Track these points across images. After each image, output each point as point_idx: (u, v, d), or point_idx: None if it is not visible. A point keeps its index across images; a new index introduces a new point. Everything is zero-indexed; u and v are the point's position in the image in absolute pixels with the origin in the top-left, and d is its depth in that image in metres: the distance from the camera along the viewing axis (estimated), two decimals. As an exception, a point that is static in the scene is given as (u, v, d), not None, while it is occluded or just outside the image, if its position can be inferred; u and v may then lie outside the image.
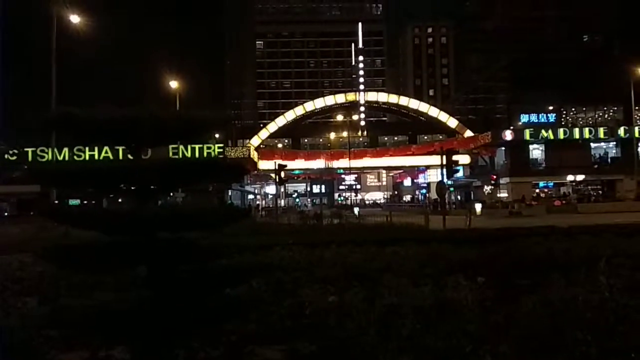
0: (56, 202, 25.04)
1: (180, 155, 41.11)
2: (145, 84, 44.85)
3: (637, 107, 45.83)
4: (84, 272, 6.03)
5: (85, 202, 29.43)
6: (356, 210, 38.24)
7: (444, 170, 25.03)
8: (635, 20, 60.46)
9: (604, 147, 52.30)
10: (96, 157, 44.63)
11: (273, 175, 44.76)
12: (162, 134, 5.09)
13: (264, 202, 70.13)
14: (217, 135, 47.18)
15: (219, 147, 49.34)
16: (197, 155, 47.32)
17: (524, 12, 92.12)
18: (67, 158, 44.50)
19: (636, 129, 47.87)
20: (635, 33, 58.53)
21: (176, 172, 4.90)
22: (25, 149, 45.35)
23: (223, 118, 5.62)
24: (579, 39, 78.29)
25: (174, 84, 38.66)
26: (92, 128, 4.68)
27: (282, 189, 61.35)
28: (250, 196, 70.73)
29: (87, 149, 41.37)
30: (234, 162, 8.66)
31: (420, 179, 73.65)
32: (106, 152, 42.82)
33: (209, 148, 48.72)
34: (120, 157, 6.18)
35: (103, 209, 4.78)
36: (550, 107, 53.53)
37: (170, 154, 38.88)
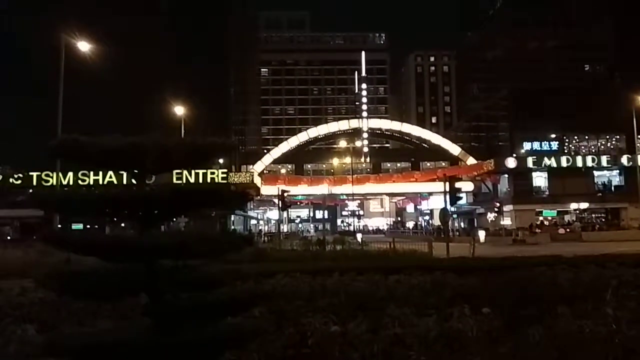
0: (59, 226, 25.01)
1: (184, 180, 41.33)
2: (152, 111, 45.34)
3: (639, 136, 45.90)
4: (84, 299, 5.97)
5: (89, 226, 29.39)
6: (359, 236, 38.01)
7: (447, 197, 25.03)
8: (635, 50, 61.19)
9: (607, 175, 52.22)
10: (100, 181, 44.90)
11: (276, 200, 44.79)
12: (166, 161, 5.11)
13: (266, 227, 69.95)
14: (221, 161, 47.41)
15: (222, 173, 49.52)
16: (200, 180, 47.52)
17: (523, 42, 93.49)
18: (71, 182, 44.73)
19: (639, 157, 47.86)
20: (635, 62, 59.17)
21: (180, 199, 4.89)
22: (30, 173, 45.59)
23: (227, 145, 5.65)
24: (579, 68, 79.09)
25: (179, 111, 39.02)
26: (98, 155, 4.71)
27: (285, 215, 61.26)
28: (253, 221, 70.60)
29: (91, 173, 41.60)
30: (237, 189, 8.66)
31: (424, 206, 73.46)
32: (110, 177, 43.18)
33: (212, 173, 48.91)
34: (125, 181, 6.19)
35: (105, 236, 4.76)
36: (553, 135, 53.72)
37: (174, 178, 39.14)
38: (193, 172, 44.37)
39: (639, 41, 61.10)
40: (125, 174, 5.50)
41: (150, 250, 4.27)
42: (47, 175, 45.11)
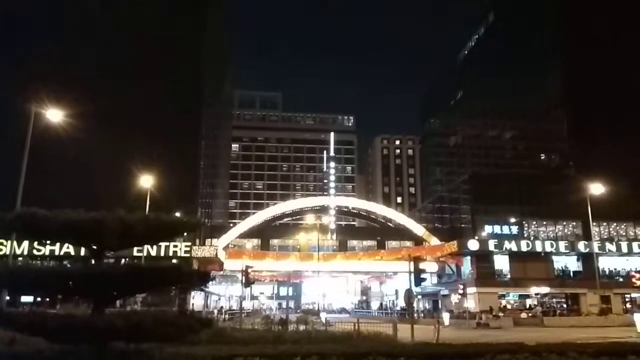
0: (7, 298, 23.53)
1: (145, 253, 40.07)
2: (119, 181, 44.74)
3: (594, 223, 47.76)
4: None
5: (40, 299, 27.75)
6: (323, 316, 37.04)
7: (412, 277, 25.01)
8: (587, 141, 65.24)
9: (566, 260, 53.55)
10: (57, 252, 43.09)
11: (240, 275, 43.64)
12: (127, 238, 5.05)
13: (228, 303, 67.54)
14: (185, 234, 46.45)
15: (186, 246, 48.38)
16: (162, 253, 46.20)
17: (482, 130, 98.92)
18: (26, 252, 42.76)
19: (595, 244, 49.55)
20: (588, 153, 62.86)
21: (138, 277, 4.79)
22: (-19, 241, 43.46)
23: (192, 224, 5.64)
24: (536, 157, 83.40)
25: (146, 183, 38.52)
26: (56, 230, 4.62)
27: (248, 291, 59.53)
28: (215, 297, 68.14)
29: (48, 242, 39.96)
30: (199, 269, 8.54)
31: (389, 285, 72.95)
32: (68, 247, 41.53)
33: (175, 246, 47.74)
34: (82, 252, 6.05)
35: (54, 317, 4.54)
36: (513, 220, 55.38)
37: (135, 250, 37.96)
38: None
39: (592, 133, 65.37)
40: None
41: (103, 332, 4.09)
42: (0, 243, 43.19)
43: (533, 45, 79.75)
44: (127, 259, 30.06)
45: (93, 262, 5.05)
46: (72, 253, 39.86)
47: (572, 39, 71.96)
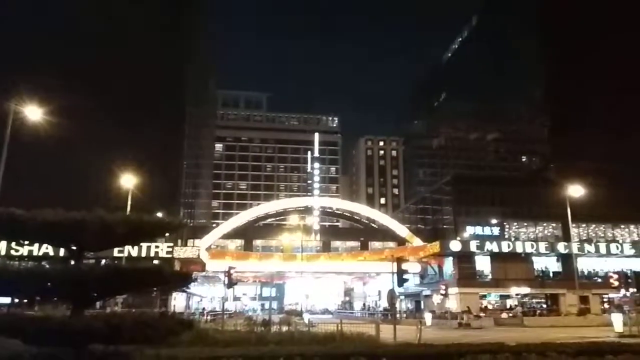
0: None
1: (126, 253, 39.56)
2: (101, 181, 44.12)
3: (574, 225, 48.56)
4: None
5: (17, 300, 27.18)
6: (306, 317, 37.03)
7: (395, 277, 25.16)
8: (567, 145, 66.48)
9: (546, 261, 54.36)
10: (35, 252, 42.31)
11: (222, 276, 43.37)
12: (108, 238, 4.98)
13: (210, 304, 67.06)
14: (167, 234, 45.95)
15: (168, 247, 47.91)
16: (144, 254, 45.69)
17: (465, 132, 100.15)
18: (3, 252, 41.93)
19: (574, 245, 50.41)
20: (567, 156, 64.02)
21: (119, 279, 4.72)
22: (-43, 241, 42.45)
23: (174, 225, 5.58)
24: (517, 159, 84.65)
25: (128, 183, 37.99)
26: (35, 230, 4.53)
27: (231, 292, 59.19)
28: (197, 298, 67.62)
29: (26, 243, 39.21)
30: (181, 271, 8.45)
31: (372, 285, 73.21)
32: (47, 247, 40.79)
33: (157, 247, 47.25)
34: (62, 253, 5.90)
35: (31, 319, 4.45)
36: (494, 221, 56.06)
37: (116, 251, 37.45)
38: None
39: (572, 136, 66.63)
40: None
41: (81, 334, 4.02)
42: (-24, 243, 42.31)
43: (515, 50, 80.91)
44: (108, 260, 29.62)
45: (72, 262, 4.97)
46: (52, 254, 39.20)
47: (554, 44, 73.25)
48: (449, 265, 54.22)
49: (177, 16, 65.30)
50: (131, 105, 54.79)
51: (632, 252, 53.66)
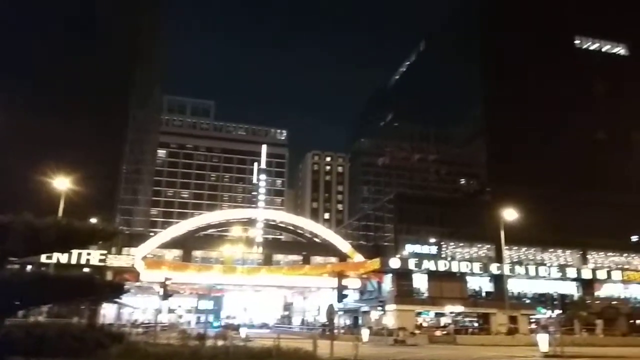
0: None
1: (55, 260, 37.44)
2: (30, 184, 41.65)
3: (506, 247, 50.77)
4: None
5: None
6: (243, 331, 36.36)
7: (336, 293, 25.26)
8: (502, 169, 69.88)
9: (480, 281, 56.41)
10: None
11: (157, 287, 41.89)
12: (35, 244, 4.71)
13: (144, 316, 64.41)
14: (100, 242, 43.88)
15: (101, 254, 45.79)
16: (74, 260, 43.43)
17: (409, 153, 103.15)
18: None
19: (506, 267, 52.69)
20: (502, 181, 67.20)
21: (45, 287, 4.46)
22: None
23: (109, 232, 5.35)
24: (455, 181, 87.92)
25: (61, 186, 35.88)
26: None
27: (167, 303, 57.21)
28: (129, 309, 64.81)
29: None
30: (113, 281, 8.11)
31: (311, 300, 73.07)
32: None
33: (88, 254, 45.06)
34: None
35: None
36: (432, 240, 57.70)
37: (44, 257, 35.33)
38: (67, 251, 40.43)
39: (507, 162, 70.16)
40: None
41: (1, 347, 3.75)
42: None
43: (459, 76, 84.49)
44: (34, 267, 27.90)
45: (-6, 268, 4.65)
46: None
47: (494, 72, 77.17)
48: (388, 282, 55.10)
49: (126, 15, 63.38)
50: (69, 104, 52.39)
51: (559, 275, 56.84)
